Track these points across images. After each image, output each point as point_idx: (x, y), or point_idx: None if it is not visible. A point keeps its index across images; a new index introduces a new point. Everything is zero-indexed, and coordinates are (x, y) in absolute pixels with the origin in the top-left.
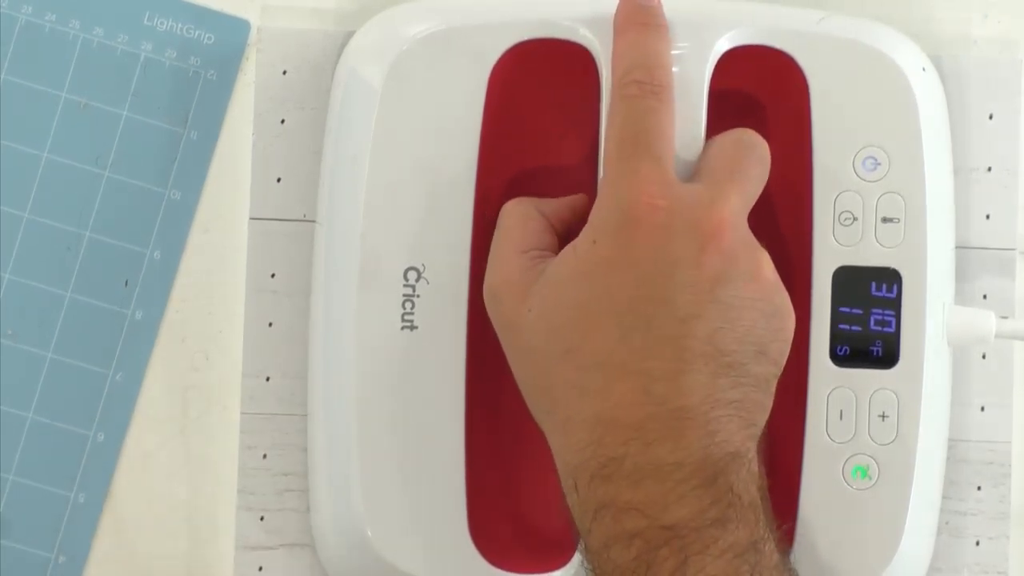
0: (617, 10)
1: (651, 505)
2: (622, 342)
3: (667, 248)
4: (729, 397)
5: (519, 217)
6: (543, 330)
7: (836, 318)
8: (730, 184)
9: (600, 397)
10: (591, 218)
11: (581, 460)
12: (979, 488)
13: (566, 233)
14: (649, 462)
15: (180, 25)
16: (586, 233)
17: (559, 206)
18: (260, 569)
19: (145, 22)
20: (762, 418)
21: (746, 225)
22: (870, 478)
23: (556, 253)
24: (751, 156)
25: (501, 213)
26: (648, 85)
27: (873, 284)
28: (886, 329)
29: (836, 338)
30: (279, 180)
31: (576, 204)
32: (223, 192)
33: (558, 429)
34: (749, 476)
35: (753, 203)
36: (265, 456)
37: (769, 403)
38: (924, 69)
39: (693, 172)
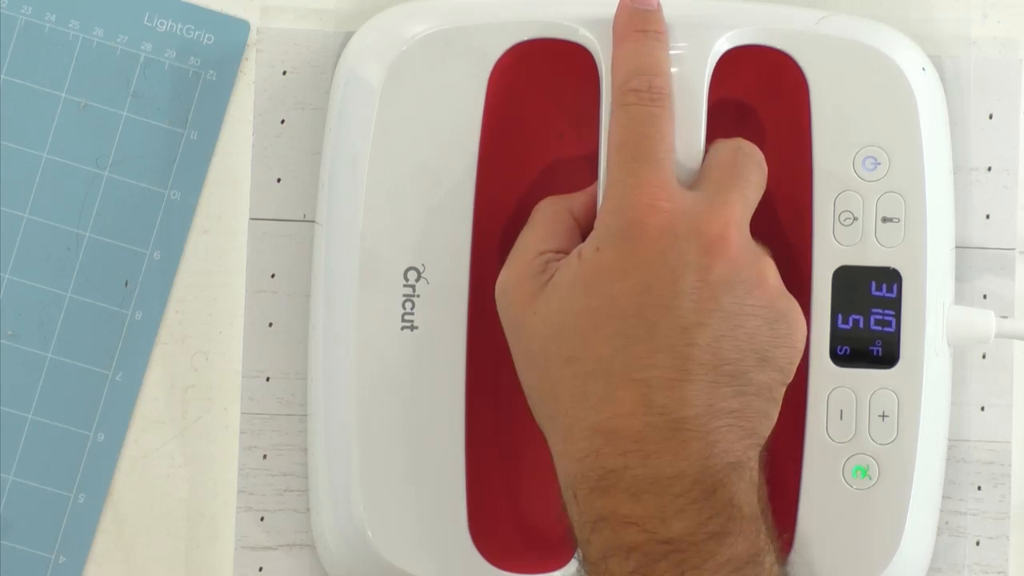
0: (616, 16)
1: (649, 519)
2: (624, 350)
3: (670, 253)
4: (729, 406)
5: (547, 216)
6: (546, 335)
7: (836, 318)
8: (732, 190)
9: (600, 406)
10: (596, 224)
11: (581, 470)
12: (979, 488)
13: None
14: (648, 475)
15: (180, 25)
16: (590, 239)
17: (588, 200)
18: (260, 569)
19: (145, 22)
20: (765, 427)
21: (748, 231)
22: (870, 478)
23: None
24: (750, 163)
25: (533, 210)
26: (646, 93)
27: (873, 284)
28: (886, 329)
29: (836, 338)
30: (279, 180)
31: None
32: (223, 192)
33: (559, 437)
34: (750, 486)
35: (754, 209)
36: (265, 456)
37: (774, 411)
38: (924, 69)
39: (694, 180)
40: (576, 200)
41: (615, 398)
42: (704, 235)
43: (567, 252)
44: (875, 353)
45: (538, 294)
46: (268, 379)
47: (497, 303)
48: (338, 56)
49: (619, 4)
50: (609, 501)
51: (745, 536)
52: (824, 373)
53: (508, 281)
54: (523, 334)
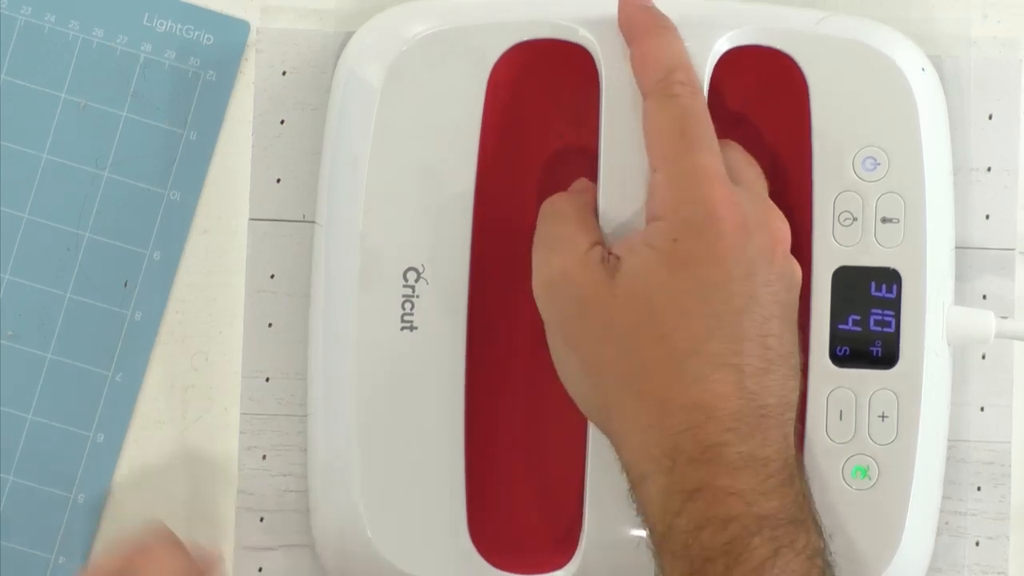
0: (624, 14)
1: (750, 492)
2: (716, 333)
3: (748, 246)
4: (792, 400)
5: (577, 211)
6: (633, 313)
7: (836, 318)
8: (763, 190)
9: (698, 384)
10: (660, 213)
11: (680, 442)
12: (979, 488)
13: None
14: (746, 453)
15: (180, 26)
16: (662, 230)
17: (593, 196)
18: (260, 569)
19: (145, 23)
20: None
21: None
22: (870, 478)
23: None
24: (757, 166)
25: (552, 203)
26: (689, 86)
27: (873, 284)
28: (886, 329)
29: (836, 338)
30: (279, 180)
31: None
32: (223, 192)
33: (650, 410)
34: (806, 480)
35: None
36: (265, 456)
37: None
38: (924, 69)
39: None
40: (586, 197)
41: (713, 378)
42: (769, 230)
43: (603, 244)
44: (875, 353)
45: (609, 279)
46: (268, 379)
47: (551, 289)
48: (338, 56)
49: (622, 3)
50: (710, 472)
51: (811, 528)
52: (824, 373)
53: (569, 267)
54: (599, 312)
